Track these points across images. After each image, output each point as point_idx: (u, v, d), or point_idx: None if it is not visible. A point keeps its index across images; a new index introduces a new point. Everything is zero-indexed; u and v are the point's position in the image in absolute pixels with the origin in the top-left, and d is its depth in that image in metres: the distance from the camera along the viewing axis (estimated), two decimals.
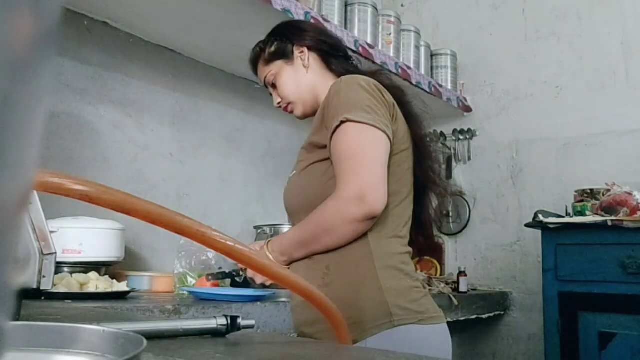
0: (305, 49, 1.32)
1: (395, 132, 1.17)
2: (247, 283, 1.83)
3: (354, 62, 1.40)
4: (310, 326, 1.15)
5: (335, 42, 1.39)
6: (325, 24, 2.00)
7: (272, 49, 1.34)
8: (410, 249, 1.21)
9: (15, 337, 0.39)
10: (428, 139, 1.31)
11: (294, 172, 1.27)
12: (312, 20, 1.91)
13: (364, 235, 1.13)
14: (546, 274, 2.25)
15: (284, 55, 1.33)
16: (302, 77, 1.32)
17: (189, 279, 1.75)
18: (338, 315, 0.66)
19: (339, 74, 1.29)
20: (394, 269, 1.13)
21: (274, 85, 1.36)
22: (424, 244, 1.33)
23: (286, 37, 1.34)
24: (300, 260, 1.19)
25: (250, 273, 1.32)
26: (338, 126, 1.12)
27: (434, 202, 1.33)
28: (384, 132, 1.12)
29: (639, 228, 2.05)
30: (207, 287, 1.67)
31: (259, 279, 1.28)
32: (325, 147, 1.17)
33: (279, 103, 1.37)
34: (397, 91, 1.26)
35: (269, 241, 1.23)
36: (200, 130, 2.36)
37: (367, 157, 1.10)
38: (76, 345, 0.40)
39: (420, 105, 1.32)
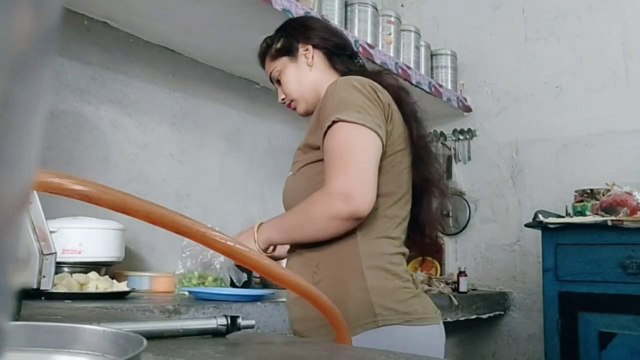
0: (310, 47, 1.33)
1: (390, 132, 1.17)
2: (247, 284, 1.83)
3: (360, 62, 1.40)
4: (299, 323, 1.16)
5: (342, 41, 1.39)
6: None
7: (278, 45, 1.35)
8: (404, 250, 1.21)
9: (15, 337, 0.39)
10: (428, 140, 1.30)
11: (291, 172, 1.27)
12: None
13: (352, 235, 1.13)
14: (546, 274, 2.25)
15: (289, 52, 1.33)
16: (305, 75, 1.32)
17: (193, 279, 1.75)
18: (338, 315, 0.66)
19: (342, 74, 1.29)
20: (381, 269, 1.13)
21: (279, 81, 1.37)
22: (424, 245, 1.33)
23: (292, 34, 1.34)
24: (292, 257, 1.20)
25: None
26: (330, 126, 1.12)
27: (435, 203, 1.33)
28: (376, 132, 1.11)
29: (639, 228, 2.05)
30: (207, 287, 1.67)
31: None
32: (319, 148, 1.17)
33: (282, 99, 1.38)
34: (401, 91, 1.26)
35: (261, 224, 1.23)
36: (200, 130, 2.36)
37: (357, 155, 1.09)
38: (76, 345, 0.40)
39: (420, 106, 1.32)
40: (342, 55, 1.35)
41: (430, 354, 1.10)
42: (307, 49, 1.33)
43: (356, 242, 1.13)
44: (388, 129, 1.17)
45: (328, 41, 1.34)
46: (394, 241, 1.18)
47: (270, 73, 1.37)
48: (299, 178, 1.22)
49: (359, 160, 1.09)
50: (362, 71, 1.32)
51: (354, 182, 1.07)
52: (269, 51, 1.37)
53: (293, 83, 1.33)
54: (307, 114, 1.36)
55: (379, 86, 1.20)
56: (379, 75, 1.28)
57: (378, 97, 1.17)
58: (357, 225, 1.14)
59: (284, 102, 1.38)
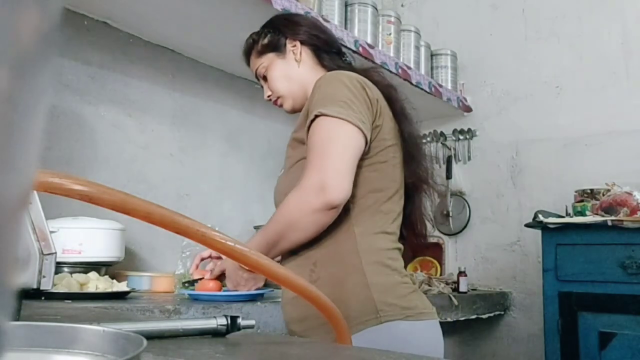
0: (297, 43, 1.32)
1: (380, 127, 1.17)
2: None
3: (347, 59, 1.40)
4: (298, 323, 1.15)
5: (329, 37, 1.38)
6: (325, 24, 2.00)
7: (265, 41, 1.33)
8: (400, 245, 1.21)
9: (15, 337, 0.39)
10: (418, 137, 1.30)
11: (282, 170, 1.27)
12: None
13: (349, 231, 1.13)
14: (546, 274, 2.25)
15: (276, 48, 1.32)
16: (293, 72, 1.31)
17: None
18: (338, 315, 0.66)
19: (330, 70, 1.29)
20: (381, 264, 1.13)
21: (265, 78, 1.35)
22: (416, 243, 1.32)
23: (279, 30, 1.33)
24: (288, 256, 1.19)
25: (231, 285, 1.31)
26: (313, 120, 1.12)
27: (429, 201, 1.32)
28: (358, 127, 1.11)
29: (639, 228, 2.05)
30: (207, 292, 1.66)
31: (242, 288, 1.28)
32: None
33: (269, 96, 1.36)
34: (388, 88, 1.25)
35: None
36: (200, 130, 2.36)
37: (334, 149, 1.09)
38: (76, 345, 0.40)
39: (417, 105, 1.31)
40: (330, 52, 1.34)
41: (432, 349, 1.10)
42: (294, 45, 1.31)
43: (354, 239, 1.13)
44: (378, 124, 1.16)
45: (316, 37, 1.33)
46: (391, 236, 1.18)
47: (256, 69, 1.36)
48: (290, 175, 1.21)
49: (335, 152, 1.08)
50: (351, 68, 1.31)
51: (326, 173, 1.06)
52: (254, 47, 1.35)
53: (280, 79, 1.32)
54: (294, 111, 1.35)
55: (368, 82, 1.19)
56: (367, 72, 1.27)
57: (365, 92, 1.16)
58: (354, 221, 1.13)
59: (270, 99, 1.37)
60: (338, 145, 1.09)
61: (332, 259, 1.13)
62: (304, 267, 1.14)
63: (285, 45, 1.32)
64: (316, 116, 1.11)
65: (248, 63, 1.40)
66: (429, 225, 1.34)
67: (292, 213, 1.10)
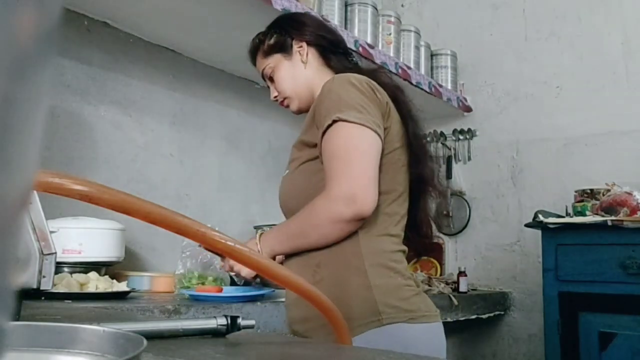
0: (304, 44, 1.31)
1: (388, 129, 1.17)
2: (247, 282, 1.82)
3: (354, 60, 1.39)
4: (301, 323, 1.16)
5: (336, 38, 1.38)
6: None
7: (271, 41, 1.33)
8: (404, 248, 1.21)
9: (15, 337, 0.39)
10: (424, 139, 1.30)
11: (287, 171, 1.27)
12: None
13: (353, 233, 1.12)
14: (546, 274, 2.25)
15: (283, 49, 1.32)
16: (299, 72, 1.31)
17: (193, 279, 1.75)
18: (339, 315, 0.66)
19: (337, 71, 1.28)
20: (384, 266, 1.13)
21: (271, 79, 1.35)
22: (421, 244, 1.32)
23: (286, 31, 1.33)
24: (291, 257, 1.19)
25: (228, 266, 1.30)
26: (330, 125, 1.11)
27: (433, 202, 1.33)
28: (376, 132, 1.11)
29: (639, 228, 2.05)
30: (207, 292, 1.66)
31: (245, 272, 1.27)
32: (315, 145, 1.16)
33: (275, 97, 1.37)
34: (396, 90, 1.25)
35: (262, 234, 1.23)
36: (200, 130, 2.36)
37: (359, 157, 1.09)
38: (76, 345, 0.40)
39: (417, 105, 1.31)
40: (336, 52, 1.34)
41: (434, 352, 1.10)
42: (301, 46, 1.31)
43: (358, 240, 1.13)
44: (386, 126, 1.16)
45: (322, 38, 1.33)
46: (394, 238, 1.18)
47: (263, 70, 1.36)
48: (296, 176, 1.21)
49: (361, 161, 1.09)
50: (358, 69, 1.31)
51: (356, 184, 1.07)
52: (261, 47, 1.35)
53: (287, 80, 1.32)
54: (300, 111, 1.35)
55: (376, 84, 1.19)
56: (374, 73, 1.27)
57: (376, 95, 1.16)
58: None
59: (277, 100, 1.37)
60: (362, 153, 1.09)
61: (335, 260, 1.13)
62: (307, 268, 1.14)
63: (291, 46, 1.32)
64: (334, 121, 1.10)
65: (254, 63, 1.40)
66: (433, 226, 1.34)
67: (319, 219, 1.10)
